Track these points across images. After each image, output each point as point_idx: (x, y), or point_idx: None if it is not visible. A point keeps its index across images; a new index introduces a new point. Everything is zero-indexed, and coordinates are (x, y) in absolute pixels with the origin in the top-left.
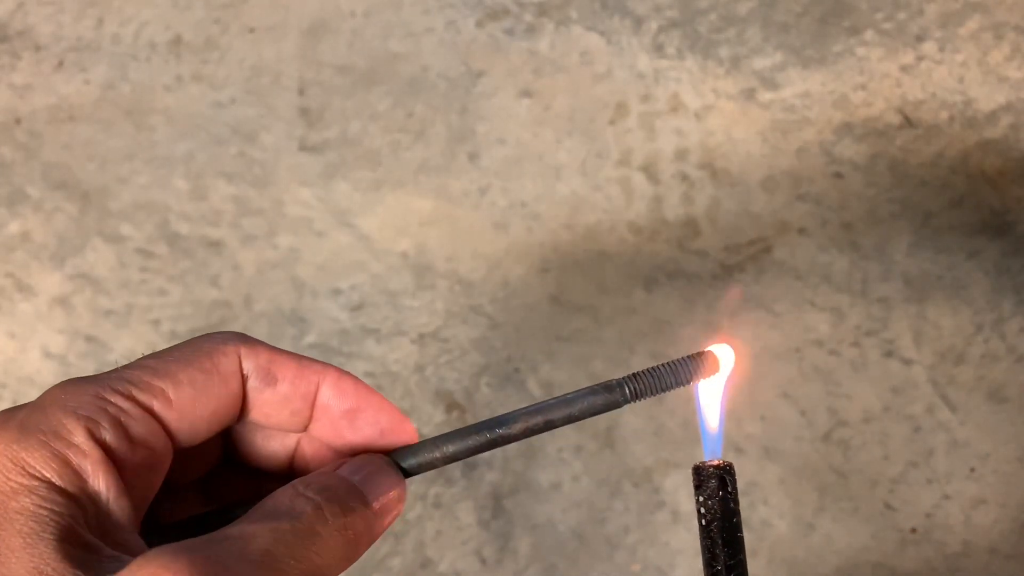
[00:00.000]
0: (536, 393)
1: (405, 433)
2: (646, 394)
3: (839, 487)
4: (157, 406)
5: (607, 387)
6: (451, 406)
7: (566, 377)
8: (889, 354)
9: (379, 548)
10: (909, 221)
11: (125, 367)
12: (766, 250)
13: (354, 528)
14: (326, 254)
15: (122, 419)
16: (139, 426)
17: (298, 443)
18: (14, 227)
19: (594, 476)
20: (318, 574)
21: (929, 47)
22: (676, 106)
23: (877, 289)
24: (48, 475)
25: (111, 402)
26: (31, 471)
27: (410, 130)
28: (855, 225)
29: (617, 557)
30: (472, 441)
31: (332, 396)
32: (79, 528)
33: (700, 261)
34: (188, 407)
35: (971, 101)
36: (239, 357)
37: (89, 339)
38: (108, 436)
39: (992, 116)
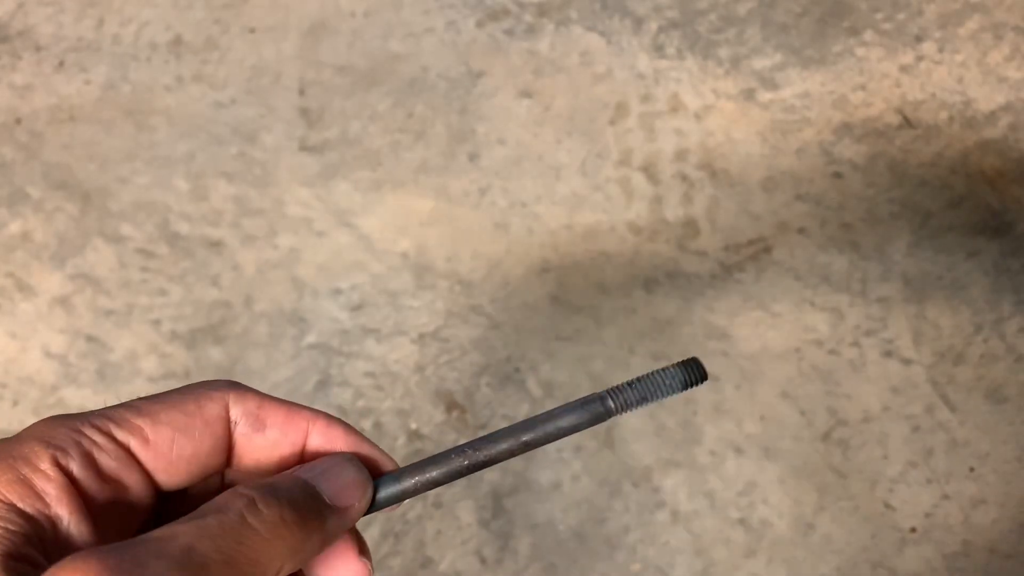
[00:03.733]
0: (536, 393)
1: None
2: (631, 406)
3: (839, 487)
4: (133, 444)
5: (589, 401)
6: (451, 406)
7: (566, 377)
8: (888, 354)
9: (379, 548)
10: (909, 221)
11: (113, 406)
12: (766, 250)
13: (297, 520)
14: (326, 254)
15: (93, 452)
16: (110, 460)
17: None
18: (15, 227)
19: (594, 476)
20: (251, 569)
21: (929, 47)
22: (676, 106)
23: (877, 289)
24: (11, 497)
25: (85, 435)
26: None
27: (410, 130)
28: (855, 225)
29: (617, 557)
30: (454, 465)
31: (321, 443)
32: (27, 546)
33: (700, 261)
34: (165, 447)
35: (971, 101)
36: (226, 403)
37: (89, 339)
38: (74, 466)
39: (991, 116)
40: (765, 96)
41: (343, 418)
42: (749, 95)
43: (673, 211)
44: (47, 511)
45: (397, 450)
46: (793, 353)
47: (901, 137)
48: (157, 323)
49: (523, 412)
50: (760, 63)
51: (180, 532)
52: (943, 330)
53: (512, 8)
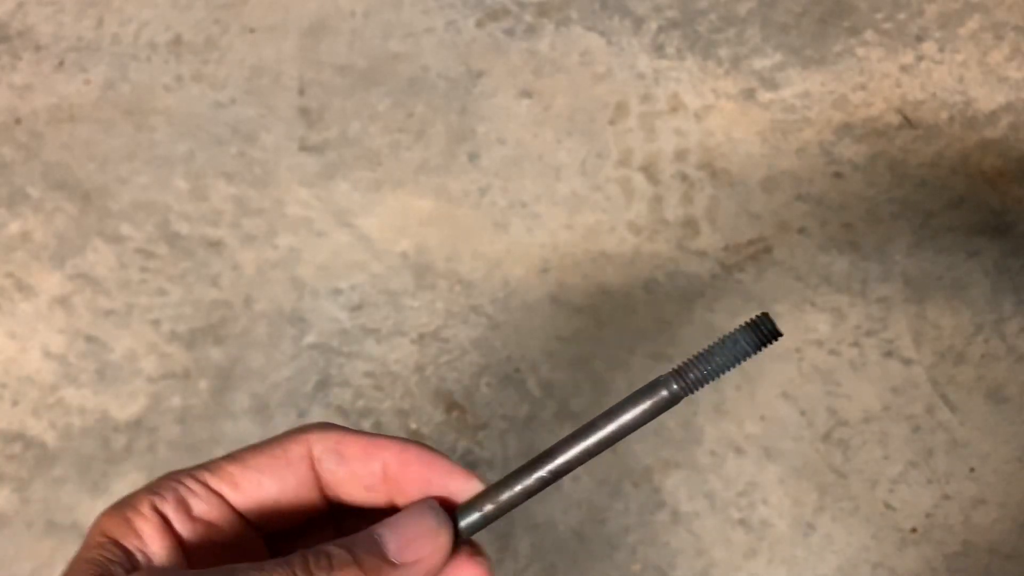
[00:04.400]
0: (536, 393)
1: (473, 490)
2: (701, 384)
3: (839, 487)
4: (225, 489)
5: (654, 387)
6: (451, 406)
7: (566, 377)
8: (889, 354)
9: None
10: (909, 221)
11: (218, 457)
12: (766, 250)
13: None
14: (326, 254)
15: (187, 497)
16: (201, 504)
17: None
18: (14, 227)
19: (594, 476)
20: None
21: (929, 47)
22: (676, 106)
23: (877, 289)
24: (114, 533)
25: (183, 483)
26: (105, 531)
27: (410, 130)
28: (855, 225)
29: (617, 557)
30: (531, 481)
31: (398, 470)
32: (121, 572)
33: (700, 261)
34: (253, 488)
35: (971, 101)
36: (310, 443)
37: (89, 339)
38: (168, 509)
39: (992, 116)
40: (765, 96)
41: (343, 419)
42: (749, 95)
43: (673, 211)
44: (141, 546)
45: None
46: (793, 353)
47: (901, 137)
48: (157, 323)
49: (523, 412)
50: (760, 63)
51: (239, 570)
52: (943, 330)
53: (512, 8)
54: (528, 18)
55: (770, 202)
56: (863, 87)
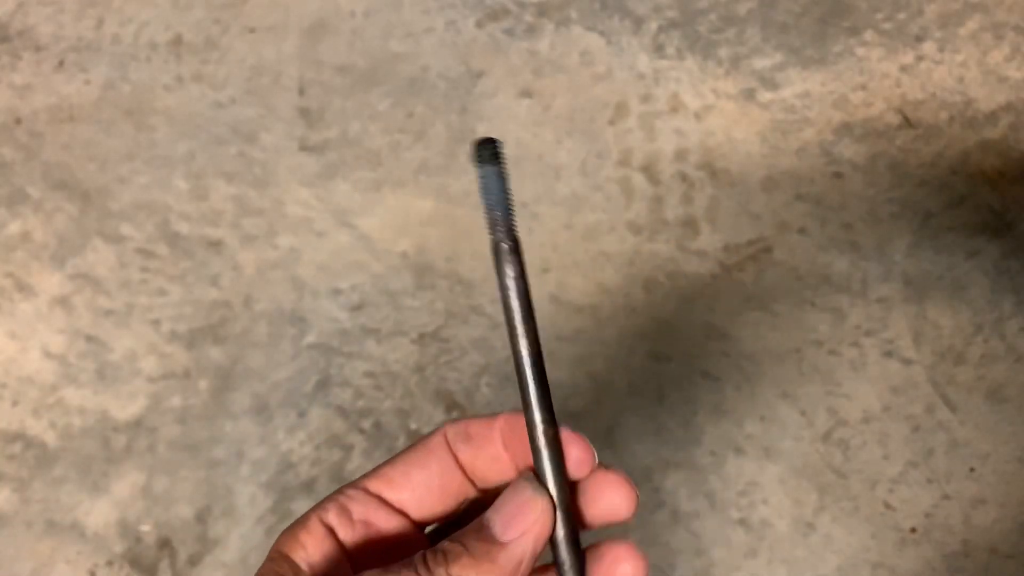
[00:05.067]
0: None
1: (577, 443)
2: (501, 223)
3: (839, 487)
4: (381, 487)
5: (495, 251)
6: (451, 406)
7: (566, 377)
8: (889, 354)
9: None
10: (909, 221)
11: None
12: (766, 250)
13: (469, 565)
14: (326, 254)
15: (347, 504)
16: (360, 507)
17: None
18: (14, 227)
19: None
20: None
21: (929, 47)
22: (676, 106)
23: (877, 289)
24: (284, 549)
25: (344, 492)
26: (279, 548)
27: (410, 130)
28: (855, 225)
29: None
30: (532, 378)
31: (510, 436)
32: None
33: (700, 261)
34: (404, 481)
35: (971, 101)
36: (444, 432)
37: (89, 339)
38: (332, 518)
39: (992, 116)
40: (765, 96)
41: (343, 419)
42: (749, 95)
43: (673, 211)
44: (306, 557)
45: (397, 450)
46: (793, 353)
47: (901, 137)
48: (157, 323)
49: None
50: (760, 63)
51: (368, 573)
52: (943, 330)
53: (512, 8)
54: (528, 18)
55: (770, 202)
56: (863, 87)
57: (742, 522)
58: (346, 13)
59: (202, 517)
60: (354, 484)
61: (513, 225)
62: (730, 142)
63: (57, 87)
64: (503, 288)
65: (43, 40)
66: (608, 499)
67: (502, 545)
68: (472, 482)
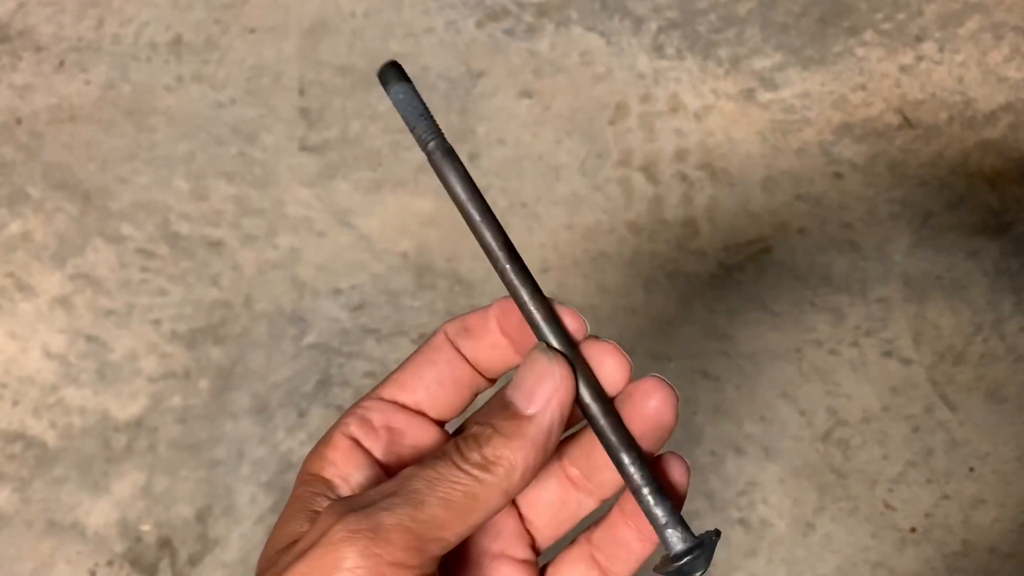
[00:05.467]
0: None
1: (568, 313)
2: (424, 135)
3: (838, 487)
4: (395, 392)
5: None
6: None
7: None
8: (888, 354)
9: None
10: (909, 221)
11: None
12: (766, 250)
13: (503, 444)
14: (326, 254)
15: (366, 415)
16: (378, 415)
17: None
18: (15, 227)
19: None
20: (471, 503)
21: (928, 47)
22: (676, 106)
23: (876, 289)
24: (312, 468)
25: (360, 405)
26: (307, 469)
27: None
28: (855, 225)
29: None
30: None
31: (505, 321)
32: (315, 502)
33: (700, 261)
34: (415, 382)
35: (970, 101)
36: (444, 330)
37: (90, 339)
38: (353, 430)
39: (991, 116)
40: (765, 96)
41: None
42: (749, 95)
43: (673, 211)
44: (338, 472)
45: None
46: (793, 353)
47: (901, 137)
48: (157, 323)
49: None
50: (760, 63)
51: (408, 474)
52: (943, 330)
53: (512, 8)
54: (528, 18)
55: (770, 202)
56: (863, 87)
57: (742, 522)
58: (346, 13)
59: (202, 517)
60: (368, 396)
61: (439, 130)
62: (730, 142)
63: (57, 87)
64: (449, 188)
65: (44, 40)
66: (607, 368)
67: (529, 418)
68: (481, 374)
